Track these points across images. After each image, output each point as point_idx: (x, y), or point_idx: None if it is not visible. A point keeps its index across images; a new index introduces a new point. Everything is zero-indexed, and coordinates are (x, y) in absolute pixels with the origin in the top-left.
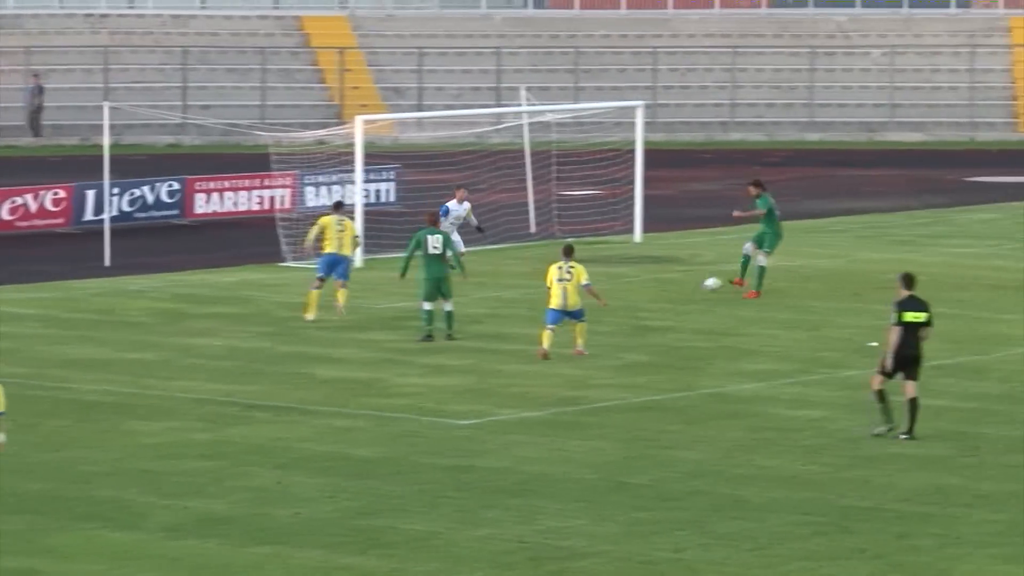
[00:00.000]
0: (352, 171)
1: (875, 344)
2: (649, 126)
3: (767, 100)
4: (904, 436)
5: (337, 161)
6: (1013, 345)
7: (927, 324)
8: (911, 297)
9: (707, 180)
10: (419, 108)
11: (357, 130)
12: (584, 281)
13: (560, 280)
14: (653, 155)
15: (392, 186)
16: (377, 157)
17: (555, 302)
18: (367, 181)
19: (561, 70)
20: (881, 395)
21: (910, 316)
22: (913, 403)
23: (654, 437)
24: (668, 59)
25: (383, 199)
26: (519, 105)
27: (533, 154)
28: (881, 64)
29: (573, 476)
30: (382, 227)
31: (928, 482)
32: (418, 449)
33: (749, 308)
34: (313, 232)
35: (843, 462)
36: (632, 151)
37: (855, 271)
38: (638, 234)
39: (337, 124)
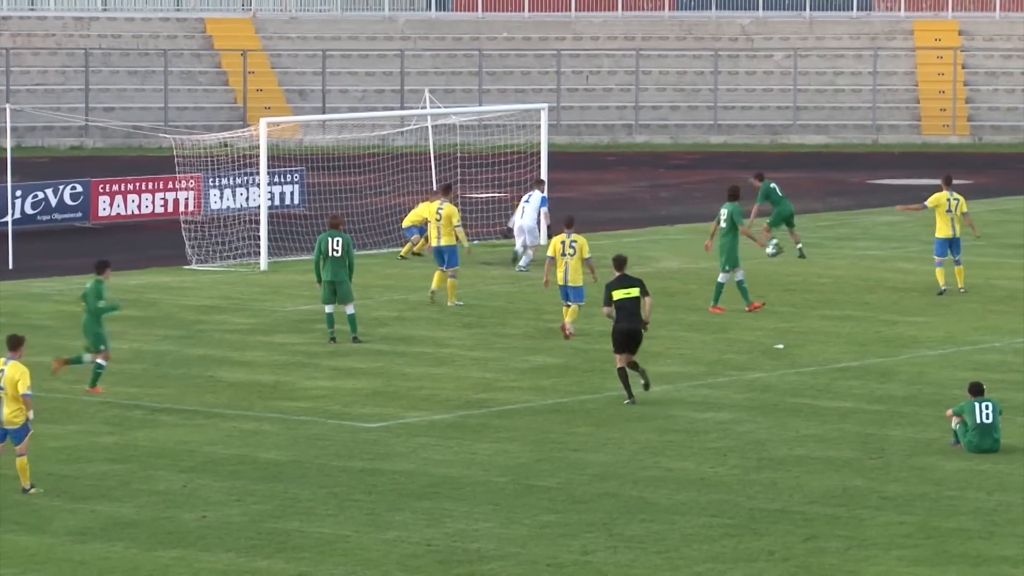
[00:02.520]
0: (256, 173)
1: (781, 346)
2: (553, 128)
3: (671, 103)
4: (644, 387)
5: (241, 164)
6: (919, 347)
7: (641, 296)
8: (622, 276)
9: (612, 183)
10: (323, 110)
11: (261, 132)
12: (586, 255)
13: (564, 255)
14: (557, 157)
15: (297, 189)
16: (281, 159)
17: (559, 277)
18: (271, 184)
19: (465, 72)
20: (623, 373)
21: (620, 293)
22: (633, 364)
23: (562, 439)
24: (572, 62)
25: (287, 202)
26: (423, 108)
27: (437, 157)
28: (784, 67)
29: (481, 479)
30: (287, 230)
31: (835, 484)
32: (326, 452)
33: (656, 311)
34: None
35: (750, 464)
36: (536, 153)
37: (760, 273)
38: (543, 238)
39: (241, 126)
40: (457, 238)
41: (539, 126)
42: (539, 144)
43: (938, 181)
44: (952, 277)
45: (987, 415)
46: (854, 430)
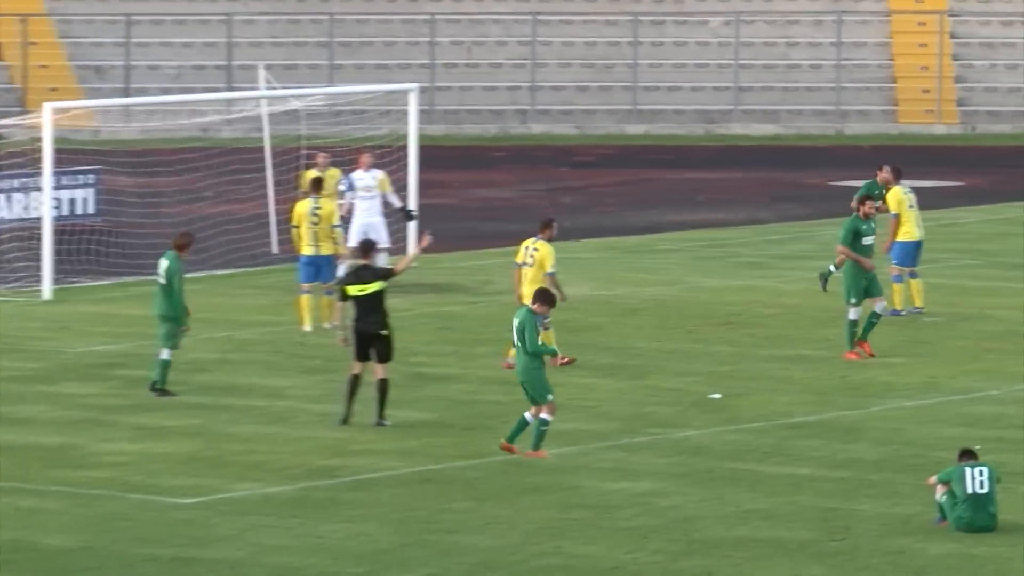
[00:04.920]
0: (39, 174)
1: (718, 396)
2: (425, 115)
3: (577, 82)
4: (378, 423)
5: (19, 162)
6: (894, 396)
7: (379, 292)
8: (363, 267)
9: (500, 185)
10: (126, 93)
11: (45, 121)
12: (549, 268)
13: (522, 264)
14: (430, 153)
15: (91, 194)
16: (72, 156)
17: (516, 291)
18: (58, 187)
19: (311, 43)
20: (353, 382)
21: (354, 290)
22: (383, 384)
23: (434, 518)
24: (449, 29)
25: (79, 211)
26: (257, 89)
27: (276, 152)
28: (723, 36)
29: (329, 570)
30: (78, 247)
31: (787, 574)
32: (127, 536)
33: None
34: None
35: (678, 549)
36: (403, 148)
37: (692, 302)
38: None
39: (20, 113)
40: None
41: (407, 112)
42: (407, 136)
43: (875, 181)
44: (908, 292)
45: (981, 483)
46: (811, 503)
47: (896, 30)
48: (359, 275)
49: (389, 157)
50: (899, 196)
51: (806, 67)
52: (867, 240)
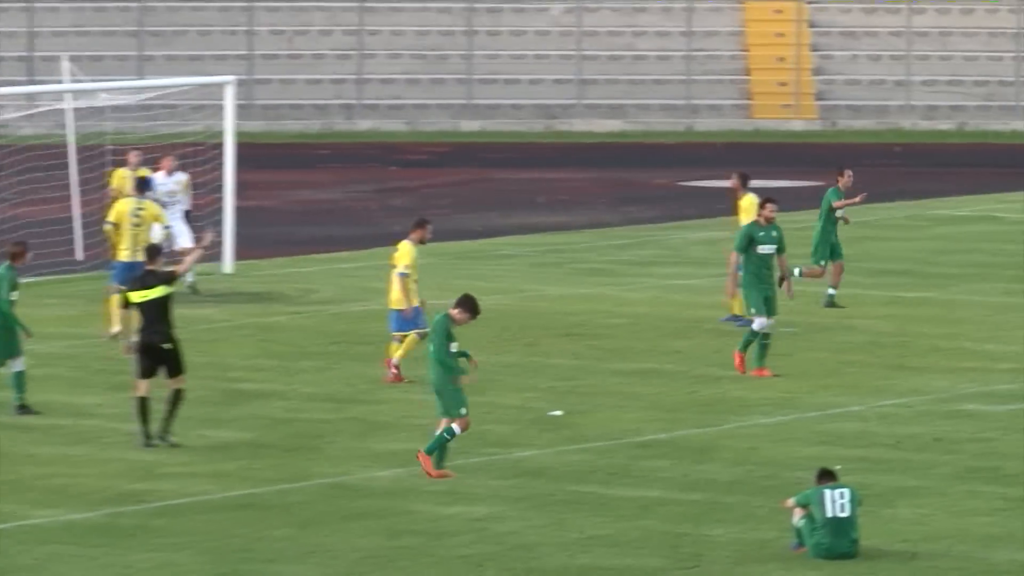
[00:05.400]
0: None
1: (559, 413)
2: (243, 110)
3: (407, 74)
4: (162, 441)
5: None
6: (749, 413)
7: (164, 298)
8: (148, 272)
9: (323, 186)
10: None
11: None
12: (400, 268)
13: (392, 267)
14: (248, 151)
15: None
16: None
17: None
18: None
19: (120, 33)
20: (142, 405)
21: (137, 296)
22: (176, 396)
23: (251, 547)
24: (269, 17)
25: None
26: (60, 82)
27: (81, 150)
28: (564, 24)
29: None
30: None
31: None
32: None
33: (373, 362)
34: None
35: None
36: (219, 146)
37: (531, 312)
38: (228, 262)
39: None
40: None
41: (223, 107)
42: (222, 133)
43: (730, 184)
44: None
45: (842, 507)
46: (660, 528)
47: (750, 18)
48: (144, 280)
49: (203, 156)
50: (753, 202)
51: (654, 58)
52: (764, 248)
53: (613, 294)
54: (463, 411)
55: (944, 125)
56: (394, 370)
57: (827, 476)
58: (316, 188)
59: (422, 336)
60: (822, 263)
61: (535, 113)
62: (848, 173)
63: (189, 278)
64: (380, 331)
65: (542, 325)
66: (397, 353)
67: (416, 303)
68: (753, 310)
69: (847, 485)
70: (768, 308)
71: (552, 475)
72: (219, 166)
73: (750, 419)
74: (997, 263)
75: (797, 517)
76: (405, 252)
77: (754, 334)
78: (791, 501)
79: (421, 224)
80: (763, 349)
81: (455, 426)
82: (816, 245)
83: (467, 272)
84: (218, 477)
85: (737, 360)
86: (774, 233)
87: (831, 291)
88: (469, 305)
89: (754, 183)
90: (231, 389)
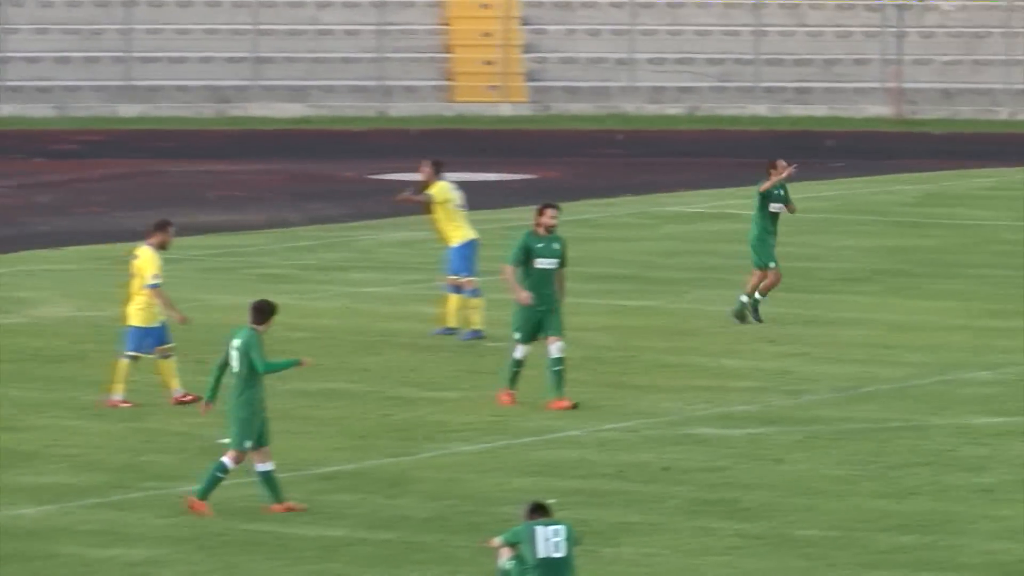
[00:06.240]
0: None
1: (227, 441)
2: None
3: (56, 52)
4: None
5: None
6: (449, 438)
7: None
8: None
9: None
10: None
11: None
12: (149, 279)
13: (132, 276)
14: None
15: None
16: None
17: None
18: None
19: None
20: None
21: None
22: None
23: None
24: None
25: None
26: None
27: None
28: None
29: None
30: None
31: None
32: None
33: (33, 388)
34: None
35: None
36: None
37: (199, 324)
38: None
39: None
40: None
41: None
42: None
43: (421, 175)
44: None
45: (556, 545)
46: (347, 573)
47: None
48: None
49: None
50: (446, 194)
51: (340, 32)
52: (543, 263)
53: (295, 304)
54: (247, 444)
55: (673, 109)
56: (179, 395)
57: (539, 511)
58: None
59: (168, 353)
60: (771, 264)
61: (205, 96)
62: (782, 164)
63: None
64: (26, 346)
65: (211, 340)
66: (172, 381)
67: (163, 317)
68: (517, 336)
69: (562, 521)
70: (546, 329)
71: (223, 512)
72: None
73: (451, 446)
74: (733, 267)
75: (504, 558)
76: (149, 259)
77: (517, 364)
78: (497, 540)
79: (162, 226)
80: (557, 377)
81: (227, 459)
82: (754, 246)
83: (127, 279)
84: None
85: (505, 398)
86: (555, 245)
87: (744, 298)
88: (266, 312)
89: (459, 177)
90: None
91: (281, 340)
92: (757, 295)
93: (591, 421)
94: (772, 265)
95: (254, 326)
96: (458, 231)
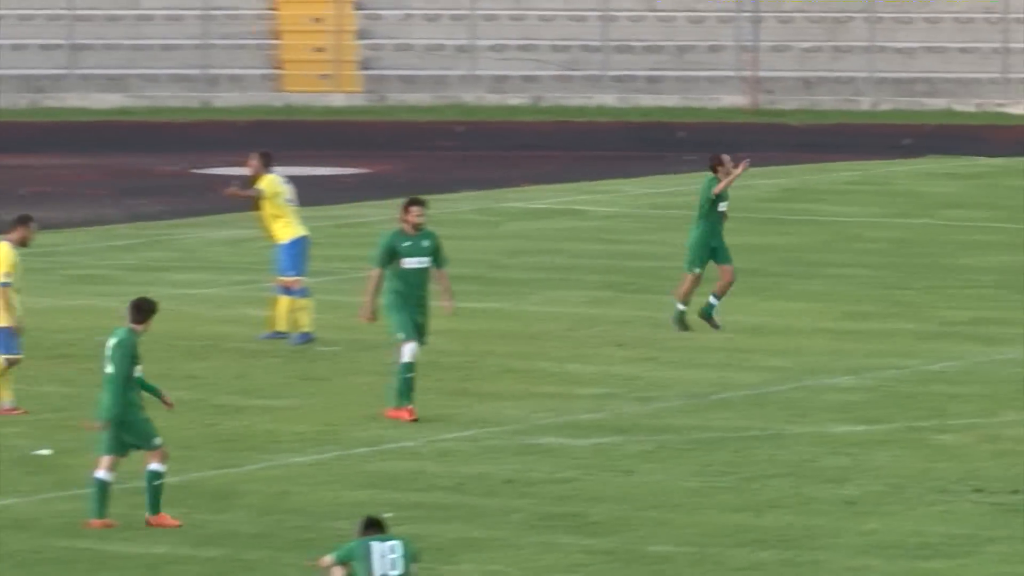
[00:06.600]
0: None
1: (48, 452)
2: None
3: None
4: None
5: None
6: (278, 449)
7: None
8: None
9: None
10: None
11: None
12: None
13: None
14: None
15: None
16: None
17: None
18: None
19: None
20: None
21: None
22: None
23: None
24: None
25: None
26: None
27: None
28: None
29: None
30: None
31: None
32: None
33: None
34: None
35: None
36: None
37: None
38: None
39: None
40: None
41: None
42: None
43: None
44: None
45: (392, 563)
46: None
47: None
48: None
49: None
50: (276, 187)
51: (161, 18)
52: (411, 262)
53: (113, 306)
54: (157, 441)
55: (515, 99)
56: (8, 407)
57: (374, 526)
58: None
59: (11, 363)
60: (696, 270)
61: (16, 86)
62: (726, 158)
63: None
64: None
65: (26, 345)
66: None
67: (12, 322)
68: (401, 335)
69: (399, 536)
70: (420, 334)
71: (38, 528)
72: None
73: (280, 457)
74: (580, 266)
75: None
76: (3, 256)
77: (408, 368)
78: (329, 558)
79: (23, 221)
80: (405, 384)
81: (156, 464)
82: (692, 247)
83: None
84: None
85: (404, 414)
86: (425, 243)
87: (713, 300)
88: (146, 310)
89: (289, 171)
90: None
91: (99, 346)
92: (711, 298)
93: (429, 431)
94: (698, 270)
95: (133, 325)
96: (287, 228)
